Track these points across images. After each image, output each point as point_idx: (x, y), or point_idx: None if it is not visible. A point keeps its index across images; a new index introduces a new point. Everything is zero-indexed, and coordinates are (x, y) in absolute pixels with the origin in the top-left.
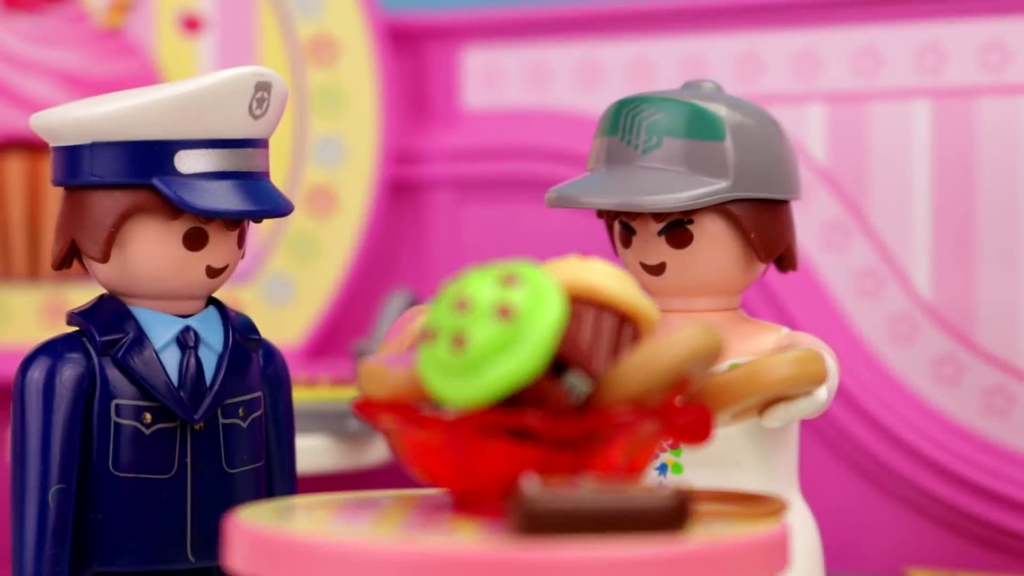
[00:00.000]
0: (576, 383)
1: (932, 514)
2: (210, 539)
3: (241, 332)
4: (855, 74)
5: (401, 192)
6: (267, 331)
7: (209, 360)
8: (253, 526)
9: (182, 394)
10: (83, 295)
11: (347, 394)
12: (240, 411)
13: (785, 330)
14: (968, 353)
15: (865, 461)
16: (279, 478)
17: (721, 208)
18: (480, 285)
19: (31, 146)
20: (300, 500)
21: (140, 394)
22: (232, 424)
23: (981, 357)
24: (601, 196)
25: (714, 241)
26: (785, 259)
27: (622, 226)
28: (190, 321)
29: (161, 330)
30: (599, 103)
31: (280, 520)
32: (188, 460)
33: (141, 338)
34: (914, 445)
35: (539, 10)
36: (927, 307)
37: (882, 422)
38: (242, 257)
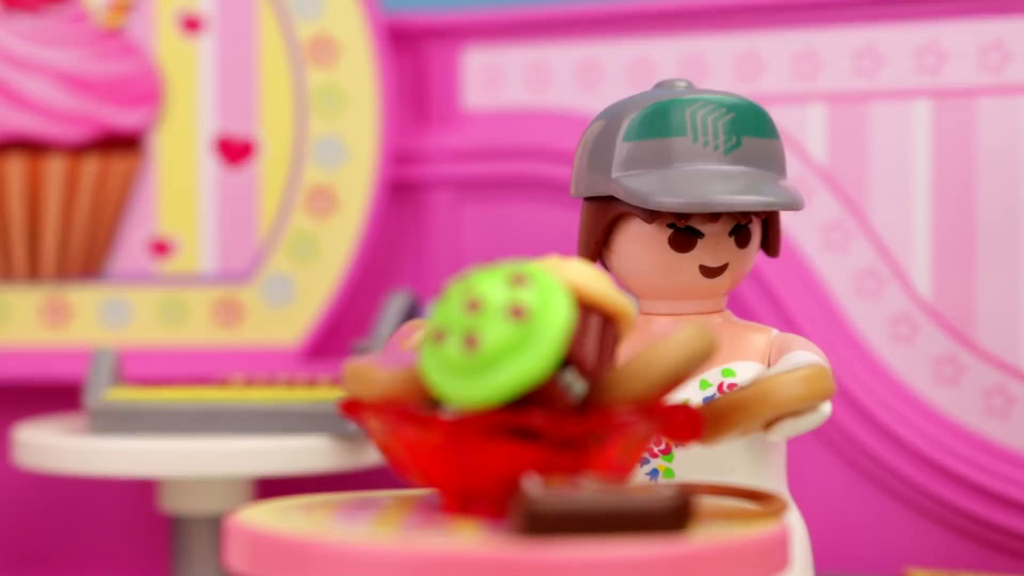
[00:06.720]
0: (571, 382)
1: (932, 514)
2: None
3: None
4: (855, 74)
5: (401, 192)
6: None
7: None
8: (253, 526)
9: None
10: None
11: None
12: None
13: (775, 331)
14: (968, 353)
15: (865, 461)
16: None
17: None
18: (490, 285)
19: (31, 146)
20: (300, 500)
21: None
22: None
23: (981, 357)
24: (728, 196)
25: (755, 240)
26: (770, 247)
27: (679, 230)
28: None
29: None
30: (599, 103)
31: (280, 520)
32: None
33: None
34: (914, 445)
35: (539, 10)
36: (927, 307)
37: (882, 422)
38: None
